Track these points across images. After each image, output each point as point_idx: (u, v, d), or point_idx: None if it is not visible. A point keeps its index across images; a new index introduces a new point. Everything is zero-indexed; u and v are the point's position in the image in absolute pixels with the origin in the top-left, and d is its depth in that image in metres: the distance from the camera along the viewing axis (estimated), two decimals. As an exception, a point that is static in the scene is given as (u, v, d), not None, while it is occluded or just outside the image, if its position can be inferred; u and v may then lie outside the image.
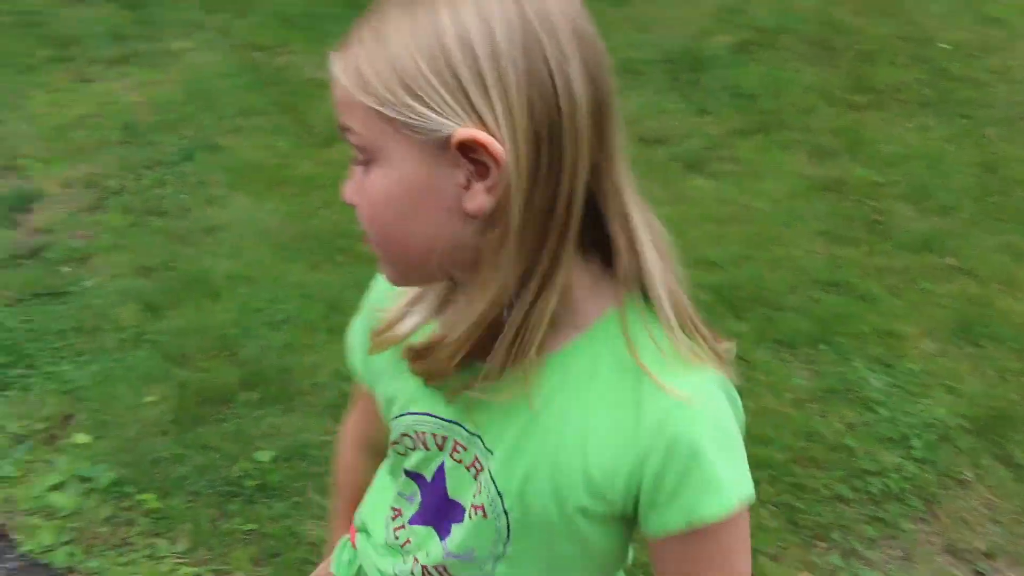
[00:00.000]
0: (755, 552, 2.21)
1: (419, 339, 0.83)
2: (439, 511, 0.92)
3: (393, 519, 0.98)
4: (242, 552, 2.12)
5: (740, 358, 2.75)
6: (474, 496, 0.87)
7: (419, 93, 0.71)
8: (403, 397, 0.90)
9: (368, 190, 0.76)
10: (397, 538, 0.97)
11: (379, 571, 1.00)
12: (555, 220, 0.73)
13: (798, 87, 4.60)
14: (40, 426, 2.49)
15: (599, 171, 0.75)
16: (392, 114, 0.72)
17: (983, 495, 2.40)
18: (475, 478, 0.86)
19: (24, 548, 2.12)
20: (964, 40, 5.16)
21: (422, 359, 0.82)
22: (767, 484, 2.36)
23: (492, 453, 0.84)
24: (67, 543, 2.14)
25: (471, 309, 0.77)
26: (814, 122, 4.28)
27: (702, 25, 5.27)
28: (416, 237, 0.76)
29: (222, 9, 5.49)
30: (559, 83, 0.70)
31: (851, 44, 5.10)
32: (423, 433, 0.89)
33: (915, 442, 2.52)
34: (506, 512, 0.84)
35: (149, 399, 2.55)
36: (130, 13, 5.38)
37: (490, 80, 0.69)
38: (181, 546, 2.14)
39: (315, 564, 2.06)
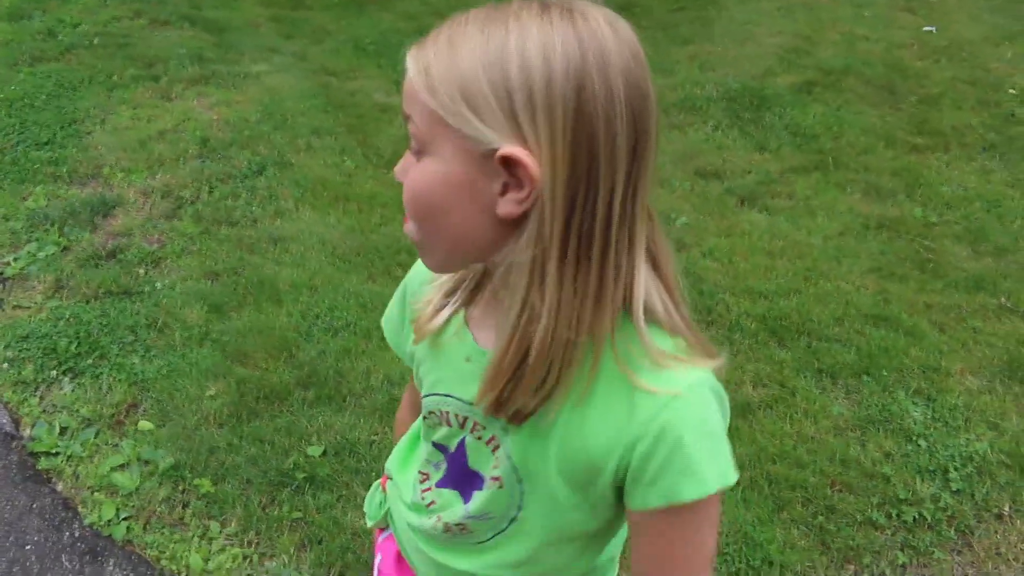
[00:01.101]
0: (782, 569, 2.24)
1: (489, 394, 0.89)
2: (462, 479, 1.02)
3: (421, 482, 1.08)
4: (288, 538, 2.23)
5: (780, 384, 2.80)
6: (492, 468, 0.97)
7: (476, 107, 0.80)
8: (430, 378, 1.01)
9: (417, 176, 0.85)
10: (423, 499, 1.08)
11: (405, 521, 1.11)
12: (595, 243, 0.82)
13: (858, 128, 4.63)
14: (108, 412, 2.64)
15: (624, 200, 0.83)
16: (449, 119, 0.81)
17: (1021, 530, 2.39)
18: (493, 452, 0.97)
19: (88, 520, 2.26)
20: (1032, 86, 5.14)
21: (506, 405, 0.89)
22: (799, 505, 2.39)
23: (507, 434, 0.95)
24: (127, 519, 2.28)
25: (543, 333, 0.84)
26: (872, 162, 4.31)
27: (766, 65, 5.33)
28: (451, 227, 0.85)
29: (299, 36, 5.73)
30: (602, 122, 0.79)
31: (915, 87, 5.11)
32: (447, 412, 0.99)
33: (953, 474, 2.53)
34: (520, 482, 0.96)
35: (210, 393, 2.69)
36: (211, 37, 5.64)
37: (540, 108, 0.78)
38: (231, 529, 2.26)
39: (355, 552, 2.17)
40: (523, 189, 0.80)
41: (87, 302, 3.14)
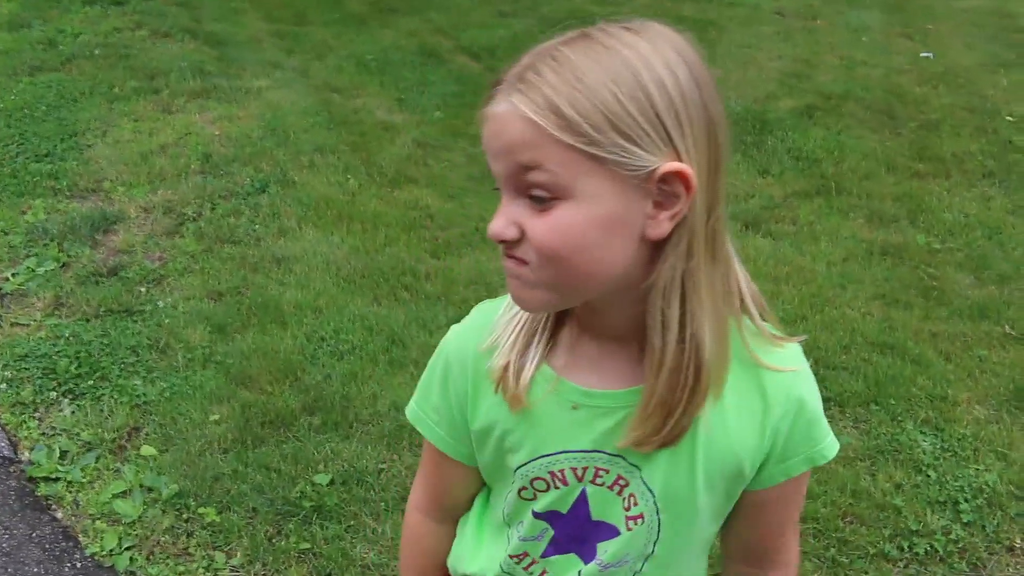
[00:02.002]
0: (797, 605, 2.21)
1: (643, 435, 0.89)
2: (577, 537, 0.99)
3: (518, 563, 1.03)
4: (295, 570, 2.19)
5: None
6: (627, 510, 0.96)
7: (627, 131, 0.79)
8: (529, 444, 0.95)
9: (560, 225, 0.81)
10: (531, 572, 1.03)
11: None
12: (719, 242, 0.86)
13: (860, 153, 4.64)
14: (109, 436, 2.60)
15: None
16: (600, 152, 0.79)
17: (1032, 565, 2.38)
18: (619, 494, 0.95)
19: (89, 550, 2.22)
20: (1031, 114, 5.17)
21: (677, 426, 0.89)
22: (811, 537, 2.37)
23: (639, 468, 0.93)
24: (129, 548, 2.24)
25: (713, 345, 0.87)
26: (874, 188, 4.31)
27: (767, 88, 5.35)
28: (601, 264, 0.83)
29: (301, 51, 5.72)
30: (719, 124, 0.83)
31: (915, 113, 5.14)
32: (560, 471, 0.95)
33: (964, 506, 2.51)
34: (658, 512, 0.95)
35: (213, 418, 2.66)
36: (213, 51, 5.62)
37: (683, 118, 0.80)
38: (237, 560, 2.22)
39: (365, 585, 2.13)
40: (676, 204, 0.81)
41: (87, 320, 3.10)
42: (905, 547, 2.40)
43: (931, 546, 2.41)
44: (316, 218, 3.78)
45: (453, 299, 3.19)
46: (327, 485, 2.41)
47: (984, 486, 2.59)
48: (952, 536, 2.44)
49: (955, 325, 3.33)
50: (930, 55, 6.01)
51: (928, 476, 2.62)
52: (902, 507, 2.51)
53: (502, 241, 0.84)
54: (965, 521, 2.49)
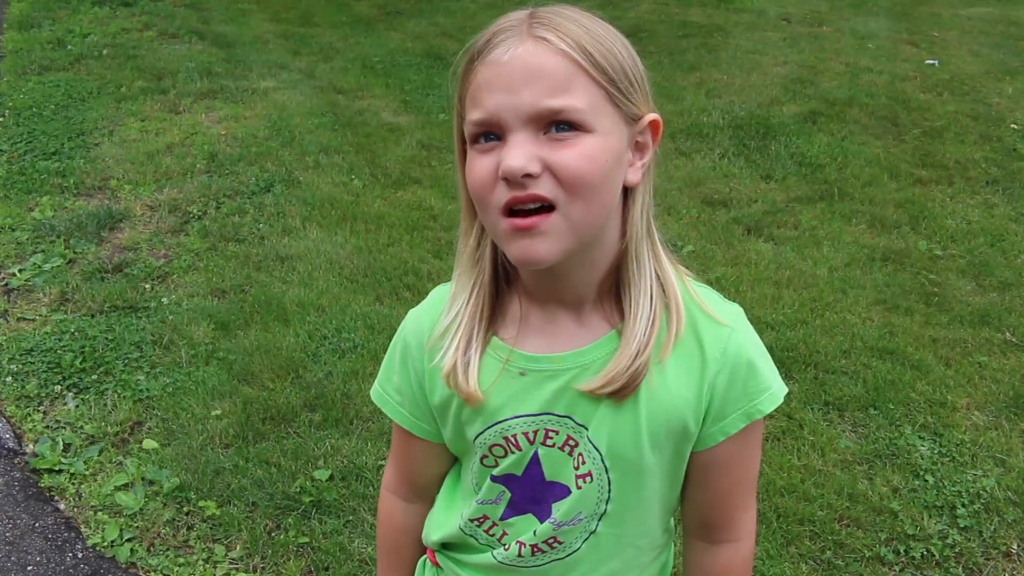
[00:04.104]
0: (792, 605, 2.21)
1: (616, 375, 0.94)
2: (534, 498, 1.02)
3: (479, 526, 1.06)
4: (294, 564, 2.21)
5: (788, 416, 2.80)
6: (576, 468, 0.99)
7: (632, 80, 0.90)
8: (483, 415, 1.00)
9: (586, 151, 0.87)
10: (492, 534, 1.06)
11: (477, 569, 1.08)
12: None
13: (863, 159, 4.65)
14: (112, 430, 2.62)
15: None
16: (614, 92, 0.88)
17: (1028, 570, 2.38)
18: (570, 454, 0.98)
19: (91, 541, 2.24)
20: (1035, 122, 5.17)
21: (630, 385, 0.95)
22: (808, 540, 2.38)
23: (586, 427, 0.97)
24: (130, 540, 2.26)
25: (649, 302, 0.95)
26: (877, 194, 4.32)
27: (771, 94, 5.36)
28: (603, 204, 0.90)
29: (307, 53, 5.76)
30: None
31: (919, 120, 5.14)
32: (513, 436, 0.99)
33: (961, 511, 2.52)
34: (607, 470, 0.98)
35: (215, 413, 2.68)
36: (220, 52, 5.66)
37: (646, 80, 0.93)
38: (236, 553, 2.24)
39: (363, 579, 2.15)
40: (647, 154, 0.93)
41: (92, 316, 3.13)
42: (901, 551, 2.40)
43: (928, 550, 2.41)
44: (320, 217, 3.80)
45: (455, 299, 3.21)
46: (326, 480, 2.43)
47: (982, 491, 2.60)
48: (949, 541, 2.44)
49: (955, 331, 3.33)
50: (935, 62, 6.02)
51: (926, 481, 2.62)
52: (899, 511, 2.51)
53: (526, 176, 0.85)
54: (962, 526, 2.49)
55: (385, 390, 1.09)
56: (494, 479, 1.03)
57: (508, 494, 1.03)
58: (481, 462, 1.03)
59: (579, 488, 1.00)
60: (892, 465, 2.68)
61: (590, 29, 0.88)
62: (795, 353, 3.11)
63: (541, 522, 1.02)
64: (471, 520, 1.06)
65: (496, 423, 0.99)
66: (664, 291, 0.96)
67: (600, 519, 1.01)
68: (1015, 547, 2.45)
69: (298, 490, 2.39)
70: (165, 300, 3.22)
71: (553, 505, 1.01)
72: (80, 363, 2.86)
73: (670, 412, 0.96)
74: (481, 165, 0.88)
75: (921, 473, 2.65)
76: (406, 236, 3.69)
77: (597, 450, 0.97)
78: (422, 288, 3.32)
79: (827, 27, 6.67)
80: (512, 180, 0.85)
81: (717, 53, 6.01)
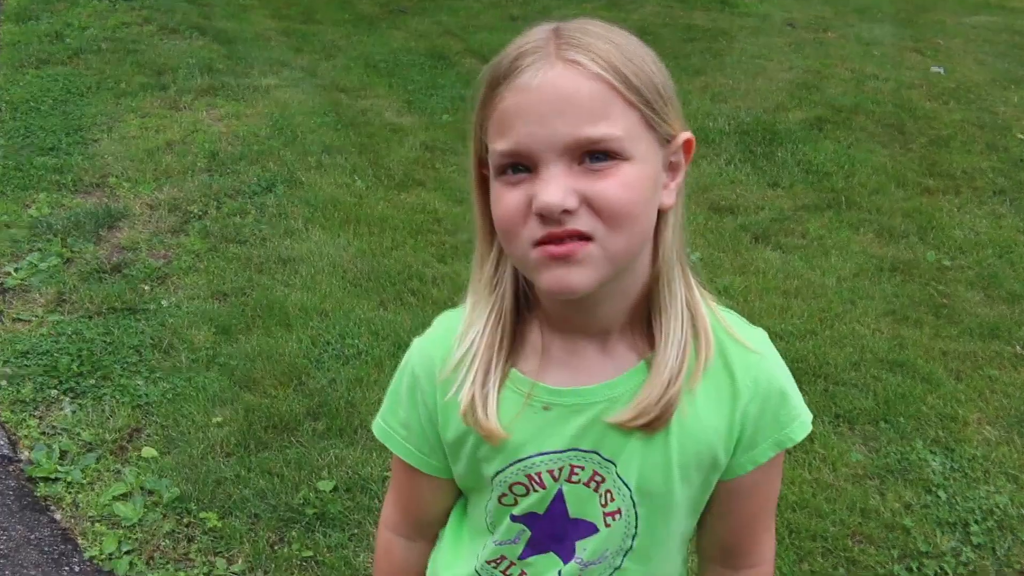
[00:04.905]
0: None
1: (648, 406, 0.90)
2: (557, 535, 0.97)
3: (496, 567, 1.01)
4: (297, 577, 2.16)
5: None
6: (604, 506, 0.94)
7: (665, 98, 0.85)
8: (504, 452, 0.94)
9: (627, 182, 0.82)
10: (510, 575, 1.01)
11: None
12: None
13: (870, 167, 4.61)
14: (110, 437, 2.57)
15: None
16: (650, 114, 0.83)
17: (1043, 591, 2.35)
18: (596, 490, 0.94)
19: (88, 554, 2.19)
20: (1041, 132, 5.14)
21: (663, 417, 0.90)
22: (820, 556, 2.34)
23: (615, 463, 0.92)
24: (129, 553, 2.20)
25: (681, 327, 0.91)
26: (884, 203, 4.28)
27: (777, 99, 5.32)
28: (641, 232, 0.86)
29: (309, 51, 5.70)
30: None
31: (925, 128, 5.11)
32: (537, 474, 0.94)
33: (974, 528, 2.48)
34: (635, 506, 0.94)
35: (216, 420, 2.62)
36: (221, 48, 5.60)
37: (676, 95, 0.88)
38: (238, 567, 2.18)
39: (369, 596, 2.10)
40: (678, 175, 0.89)
41: (90, 318, 3.07)
42: (915, 568, 2.36)
43: (941, 568, 2.37)
44: (323, 219, 3.75)
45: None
46: (331, 492, 2.38)
47: (995, 508, 2.56)
48: (962, 559, 2.40)
49: (965, 344, 3.29)
50: (941, 70, 5.98)
51: (938, 497, 2.59)
52: (911, 528, 2.47)
53: (564, 212, 0.81)
54: (975, 543, 2.45)
55: (390, 425, 1.02)
56: (514, 519, 0.98)
57: (528, 532, 0.98)
58: (499, 501, 0.97)
59: (607, 526, 0.95)
60: (904, 480, 2.64)
61: (621, 47, 0.83)
62: (804, 364, 3.07)
63: (565, 562, 0.98)
64: (488, 562, 1.01)
65: (518, 460, 0.94)
66: (693, 316, 0.92)
67: (625, 555, 0.97)
68: (1030, 567, 2.42)
69: (301, 502, 2.34)
70: (165, 302, 3.17)
71: (577, 543, 0.97)
72: (77, 367, 2.80)
73: (701, 443, 0.92)
74: (511, 199, 0.83)
75: (933, 489, 2.61)
76: (410, 239, 3.64)
77: (627, 486, 0.93)
78: (427, 293, 3.27)
79: (832, 33, 6.63)
80: (548, 216, 0.80)
81: (722, 58, 5.97)
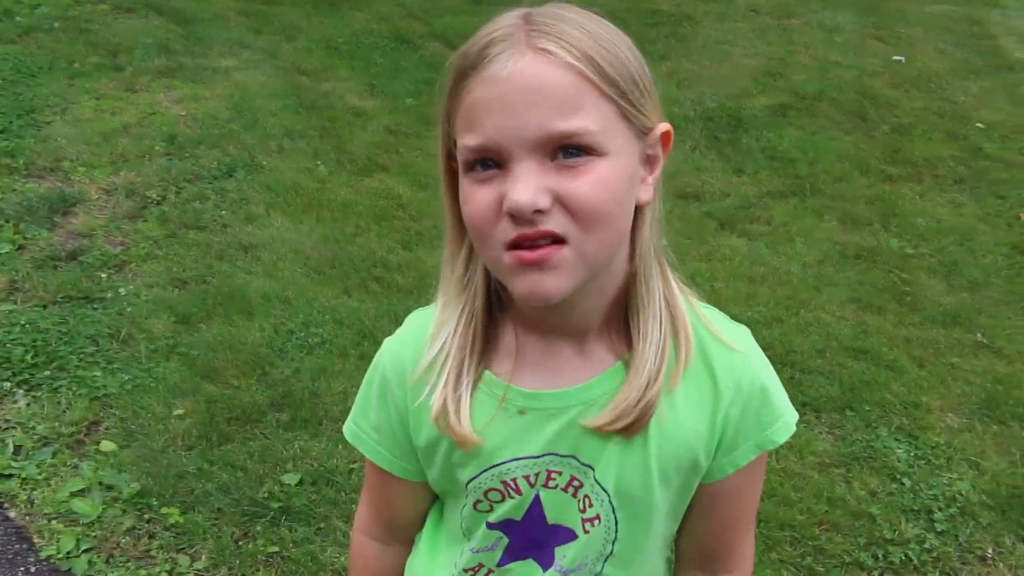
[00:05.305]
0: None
1: (626, 409, 0.87)
2: (535, 541, 0.94)
3: (475, 574, 0.98)
4: (263, 574, 2.11)
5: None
6: (582, 511, 0.91)
7: (642, 88, 0.80)
8: (478, 458, 0.91)
9: (603, 180, 0.78)
10: None
11: None
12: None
13: (833, 154, 4.64)
14: (67, 430, 2.50)
15: None
16: (626, 105, 0.79)
17: (1004, 572, 2.38)
18: (574, 495, 0.91)
19: (45, 553, 2.12)
20: (999, 121, 5.20)
21: (641, 420, 0.87)
22: (788, 546, 2.35)
23: (593, 468, 0.89)
24: (88, 551, 2.14)
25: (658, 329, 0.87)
26: (848, 190, 4.31)
27: (742, 85, 5.33)
28: (617, 231, 0.82)
29: (269, 32, 5.58)
30: None
31: (887, 116, 5.15)
32: (513, 480, 0.91)
33: (937, 515, 2.51)
34: (615, 511, 0.91)
35: (177, 412, 2.56)
36: (178, 28, 5.46)
37: (654, 86, 0.83)
38: (202, 563, 2.14)
39: (336, 592, 2.07)
40: (656, 168, 0.85)
41: (44, 307, 2.98)
42: (880, 556, 2.39)
43: (905, 555, 2.40)
44: (284, 205, 3.68)
45: (426, 293, 3.11)
46: (296, 485, 2.34)
47: (957, 495, 2.59)
48: (926, 545, 2.43)
49: (928, 331, 3.33)
50: (902, 59, 6.03)
51: (903, 484, 2.61)
52: (877, 515, 2.50)
53: (536, 212, 0.77)
54: (939, 530, 2.48)
55: (361, 427, 0.99)
56: (491, 526, 0.95)
57: (506, 539, 0.95)
58: (474, 507, 0.94)
59: (586, 532, 0.93)
60: (869, 468, 2.67)
61: (595, 34, 0.79)
62: (771, 352, 3.04)
63: (544, 569, 0.95)
64: (465, 570, 0.98)
65: (493, 466, 0.91)
66: (673, 315, 0.89)
67: (606, 560, 0.95)
68: (990, 551, 2.45)
69: (266, 495, 2.30)
70: (122, 291, 3.09)
71: (556, 550, 0.94)
72: (31, 358, 2.72)
73: (681, 446, 0.89)
74: (481, 197, 0.79)
75: (898, 476, 2.64)
76: (374, 226, 3.59)
77: (605, 491, 0.90)
78: (391, 281, 3.23)
79: (795, 19, 6.65)
80: (519, 217, 0.77)
81: (686, 43, 5.96)
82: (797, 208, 4.11)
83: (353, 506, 2.28)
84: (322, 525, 2.23)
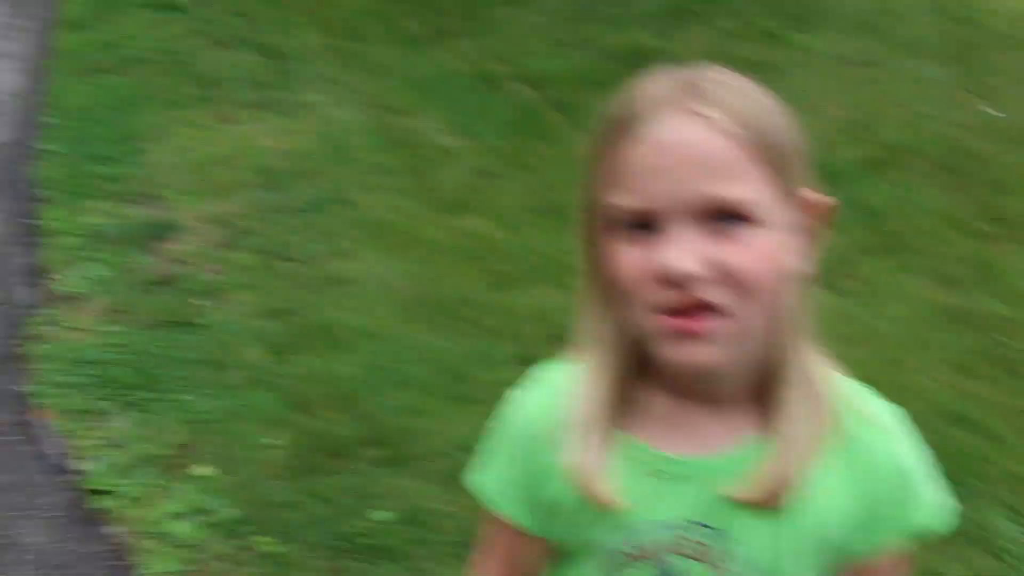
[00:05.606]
0: None
1: (769, 482, 0.85)
2: None
3: None
4: (353, 611, 2.10)
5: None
6: None
7: (801, 160, 0.82)
8: (609, 519, 0.89)
9: (766, 251, 0.78)
10: None
11: None
12: None
13: (926, 210, 4.53)
14: (161, 452, 2.53)
15: None
16: (785, 175, 0.79)
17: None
18: (705, 563, 0.88)
19: (143, 571, 2.14)
20: (1103, 181, 5.04)
21: (784, 495, 0.85)
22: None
23: (727, 538, 0.87)
24: (183, 573, 2.15)
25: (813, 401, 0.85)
26: (942, 248, 4.20)
27: (829, 137, 5.25)
28: (782, 299, 0.81)
29: (357, 68, 5.68)
30: None
31: (981, 171, 5.02)
32: (643, 544, 0.89)
33: (1048, 598, 2.39)
34: None
35: (269, 441, 2.57)
36: (269, 62, 5.59)
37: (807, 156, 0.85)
38: (294, 596, 2.13)
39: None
40: (812, 240, 0.85)
41: (142, 330, 3.04)
42: (986, 636, 2.28)
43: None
44: (373, 241, 3.71)
45: (516, 335, 3.10)
46: (387, 523, 2.32)
47: (1067, 576, 2.47)
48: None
49: (1030, 399, 3.20)
50: (997, 112, 5.89)
51: (1011, 564, 2.50)
52: (982, 594, 2.39)
53: (689, 278, 0.77)
54: (1048, 612, 2.37)
55: (485, 480, 0.97)
56: None
57: None
58: (599, 569, 0.92)
59: None
60: (972, 545, 2.55)
61: (755, 102, 0.80)
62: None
63: None
64: None
65: (624, 528, 0.89)
66: (818, 387, 0.87)
67: None
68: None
69: (356, 531, 2.29)
70: (216, 318, 3.13)
71: None
72: (130, 379, 2.77)
73: (820, 524, 0.86)
74: (631, 260, 0.79)
75: (1004, 556, 2.53)
76: (461, 266, 3.59)
77: (737, 562, 0.88)
78: (480, 321, 3.22)
79: (881, 69, 6.56)
80: (673, 282, 0.76)
81: (772, 93, 5.91)
82: (889, 265, 4.01)
83: (445, 548, 2.25)
84: (412, 565, 2.21)
